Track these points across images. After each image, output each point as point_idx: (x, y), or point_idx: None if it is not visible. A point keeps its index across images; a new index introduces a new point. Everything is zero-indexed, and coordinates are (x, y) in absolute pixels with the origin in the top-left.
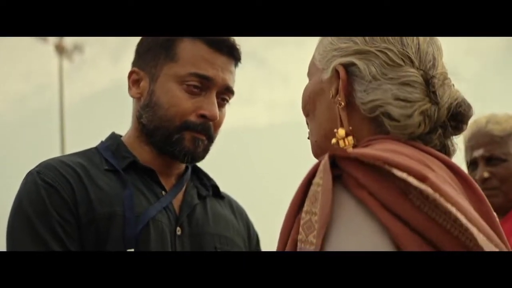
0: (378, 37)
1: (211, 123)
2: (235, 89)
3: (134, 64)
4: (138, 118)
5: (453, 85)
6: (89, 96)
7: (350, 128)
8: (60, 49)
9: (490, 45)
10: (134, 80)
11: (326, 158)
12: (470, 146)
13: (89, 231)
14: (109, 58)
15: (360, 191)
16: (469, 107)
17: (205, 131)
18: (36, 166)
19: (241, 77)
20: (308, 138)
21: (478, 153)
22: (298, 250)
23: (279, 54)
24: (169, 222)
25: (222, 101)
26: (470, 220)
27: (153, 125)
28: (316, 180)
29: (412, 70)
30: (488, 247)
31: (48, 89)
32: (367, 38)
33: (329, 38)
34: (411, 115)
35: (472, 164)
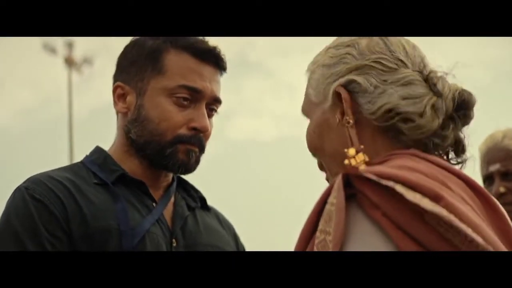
0: (366, 50)
1: (202, 134)
2: (241, 100)
3: (117, 77)
4: (127, 132)
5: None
6: (97, 108)
7: (362, 146)
8: (69, 62)
9: (502, 56)
10: (119, 95)
11: (339, 177)
12: (486, 161)
13: (83, 246)
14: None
15: (374, 211)
16: (470, 94)
17: (198, 143)
18: (24, 182)
19: (248, 89)
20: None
21: (494, 167)
22: None
23: (286, 65)
24: (163, 234)
25: (211, 111)
26: (486, 240)
27: (144, 140)
28: (330, 199)
29: (408, 70)
30: None
31: (57, 101)
32: (356, 55)
33: (317, 71)
34: (423, 111)
35: (488, 178)
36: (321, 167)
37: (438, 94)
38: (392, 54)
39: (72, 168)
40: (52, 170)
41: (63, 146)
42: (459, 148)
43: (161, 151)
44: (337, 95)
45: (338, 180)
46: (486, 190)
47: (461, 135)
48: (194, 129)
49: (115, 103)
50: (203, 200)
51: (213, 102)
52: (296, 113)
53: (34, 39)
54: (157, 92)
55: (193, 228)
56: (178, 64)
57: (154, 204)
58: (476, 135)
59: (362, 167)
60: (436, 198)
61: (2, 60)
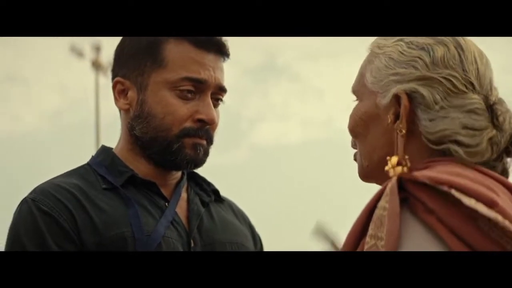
0: (440, 63)
1: (209, 126)
2: (268, 104)
3: (116, 72)
4: (130, 130)
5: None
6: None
7: (406, 157)
8: (96, 65)
9: None
10: (120, 91)
11: (394, 181)
12: None
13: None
14: None
15: (429, 216)
16: None
17: (205, 135)
18: (30, 193)
19: (275, 93)
20: (354, 159)
21: None
22: None
23: (313, 69)
24: (179, 236)
25: (216, 101)
26: None
27: (149, 137)
28: (382, 203)
29: (475, 96)
30: None
31: (84, 104)
32: (428, 63)
33: (382, 59)
34: (480, 143)
35: None
36: (354, 146)
37: (498, 128)
38: (464, 74)
39: (79, 172)
40: (59, 177)
41: (90, 149)
42: (504, 175)
43: (167, 147)
44: (397, 98)
45: (391, 184)
46: None
47: (507, 166)
48: (201, 121)
49: (116, 100)
50: (216, 192)
51: (218, 91)
52: (323, 117)
53: (62, 42)
54: (159, 86)
55: (209, 225)
56: (179, 55)
57: (166, 204)
58: None
59: (417, 173)
60: (491, 203)
61: (30, 63)
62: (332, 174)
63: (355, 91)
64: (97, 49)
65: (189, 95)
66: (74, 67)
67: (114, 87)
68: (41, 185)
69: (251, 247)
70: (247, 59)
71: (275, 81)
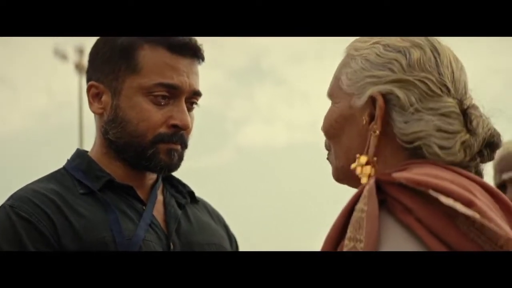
0: (416, 65)
1: (183, 131)
2: (254, 107)
3: (90, 76)
4: (104, 134)
5: (482, 113)
6: None
7: (375, 158)
8: (80, 68)
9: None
10: (94, 94)
11: (372, 183)
12: (499, 169)
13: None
14: None
15: (407, 216)
16: (499, 136)
17: (179, 140)
18: (8, 199)
19: (260, 96)
20: (327, 159)
21: (507, 176)
22: None
23: (299, 72)
24: (159, 239)
25: (191, 105)
26: None
27: (123, 142)
28: (360, 206)
29: (450, 100)
30: None
31: (68, 106)
32: (404, 66)
33: (359, 61)
34: (453, 146)
35: (501, 187)
36: (328, 147)
37: (471, 132)
38: (440, 77)
39: (55, 177)
40: (36, 182)
41: (74, 150)
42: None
43: (142, 152)
44: (372, 99)
45: (370, 186)
46: (505, 197)
47: (481, 168)
48: (175, 126)
49: (90, 104)
50: (191, 194)
51: (193, 96)
52: (309, 120)
53: (47, 45)
54: (133, 92)
55: (187, 227)
56: (153, 61)
57: (144, 207)
58: None
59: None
60: (468, 203)
61: (15, 65)
62: (317, 177)
63: (330, 95)
64: (80, 51)
65: (163, 101)
66: (59, 70)
67: (88, 91)
68: (18, 191)
69: (228, 247)
70: (232, 61)
71: (260, 83)
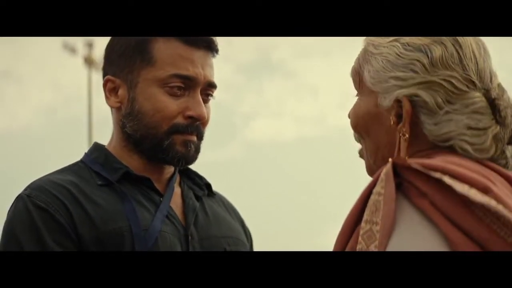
0: (439, 63)
1: (199, 122)
2: (263, 101)
3: (106, 71)
4: (122, 127)
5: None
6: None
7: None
8: (89, 62)
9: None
10: (110, 89)
11: (388, 166)
12: None
13: (94, 250)
14: None
15: (422, 200)
16: None
17: (195, 131)
18: (25, 189)
19: (269, 89)
20: (360, 156)
21: None
22: None
23: (307, 66)
24: (176, 231)
25: (206, 97)
26: None
27: (140, 134)
28: (377, 189)
29: (477, 94)
30: None
31: (77, 101)
32: (427, 65)
33: (379, 60)
34: (484, 142)
35: None
36: (358, 141)
37: (501, 123)
38: (464, 72)
39: (73, 169)
40: (53, 174)
41: (83, 145)
42: (506, 167)
43: (158, 144)
44: (398, 102)
45: (387, 170)
46: None
47: (509, 159)
48: (191, 117)
49: (107, 98)
50: (208, 186)
51: (208, 88)
52: (317, 114)
53: (55, 39)
54: (148, 84)
55: (204, 220)
56: (167, 53)
57: (161, 199)
58: None
59: (411, 160)
60: (484, 189)
61: (23, 60)
62: (326, 170)
63: (356, 85)
64: (90, 45)
65: (179, 92)
66: (67, 64)
67: (104, 86)
68: (35, 181)
69: (244, 241)
70: (242, 55)
71: (269, 78)
